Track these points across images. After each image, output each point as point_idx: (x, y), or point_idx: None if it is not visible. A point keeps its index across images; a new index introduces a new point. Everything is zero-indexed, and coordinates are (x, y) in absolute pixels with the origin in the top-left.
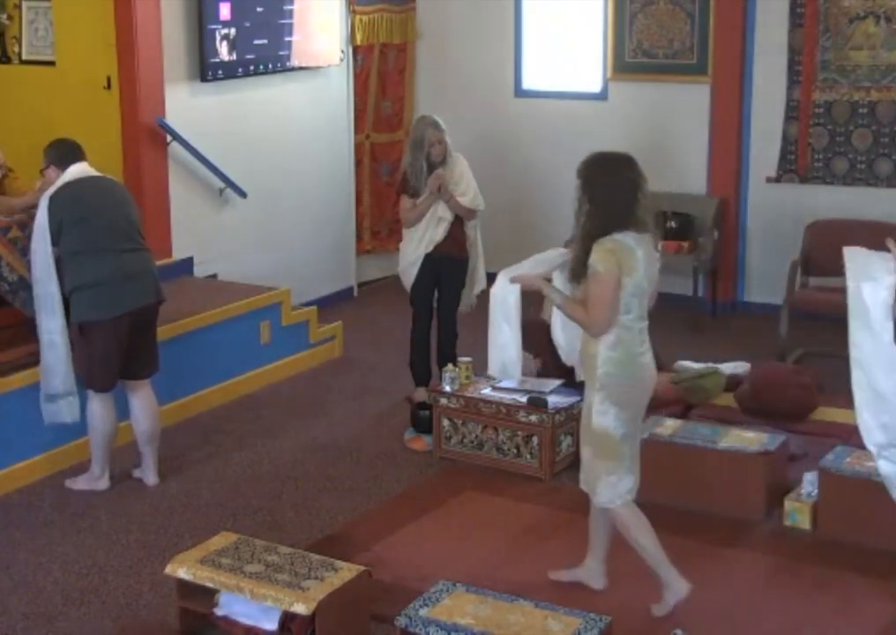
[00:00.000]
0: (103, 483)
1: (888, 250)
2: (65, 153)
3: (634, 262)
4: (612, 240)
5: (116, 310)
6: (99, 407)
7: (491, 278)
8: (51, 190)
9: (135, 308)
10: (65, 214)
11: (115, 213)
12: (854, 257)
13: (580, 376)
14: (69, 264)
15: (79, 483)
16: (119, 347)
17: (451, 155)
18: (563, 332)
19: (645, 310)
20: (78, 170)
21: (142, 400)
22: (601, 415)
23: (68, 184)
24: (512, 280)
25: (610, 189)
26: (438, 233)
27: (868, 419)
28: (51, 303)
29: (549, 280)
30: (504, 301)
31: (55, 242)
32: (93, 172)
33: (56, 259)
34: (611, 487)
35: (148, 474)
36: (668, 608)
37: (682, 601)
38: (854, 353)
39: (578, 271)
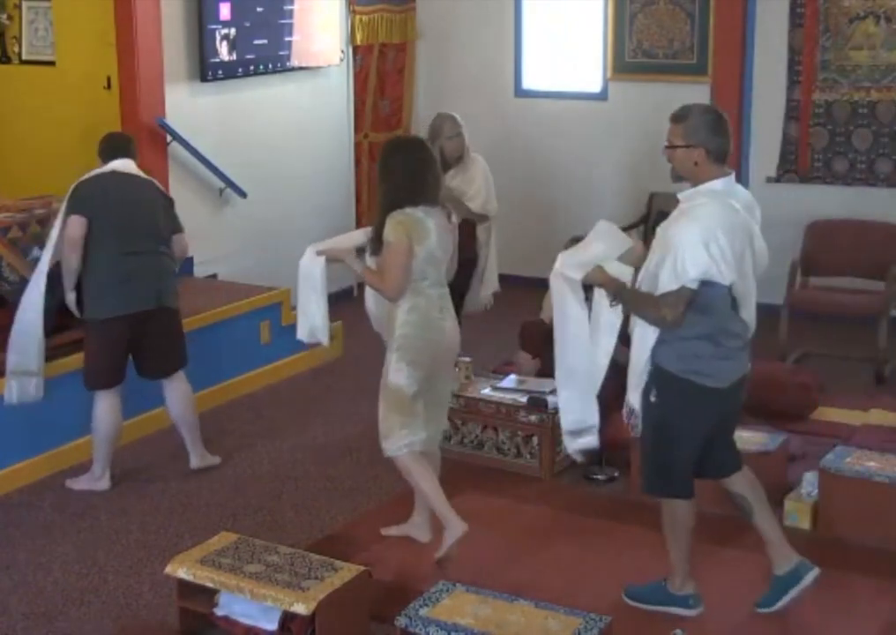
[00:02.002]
0: (104, 484)
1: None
2: (109, 147)
3: (424, 232)
4: (402, 213)
5: (109, 312)
6: (102, 406)
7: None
8: (80, 178)
9: (131, 311)
10: (79, 205)
11: (130, 214)
12: (600, 234)
13: (385, 338)
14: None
15: (80, 483)
16: (115, 348)
17: (468, 155)
18: (375, 303)
19: (442, 278)
20: (115, 165)
21: (172, 391)
22: (396, 373)
23: (94, 177)
24: (318, 253)
25: (401, 168)
26: None
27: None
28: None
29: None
30: (311, 272)
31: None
32: (129, 169)
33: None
34: (400, 439)
35: (190, 456)
36: (445, 549)
37: (458, 541)
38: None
39: (376, 243)
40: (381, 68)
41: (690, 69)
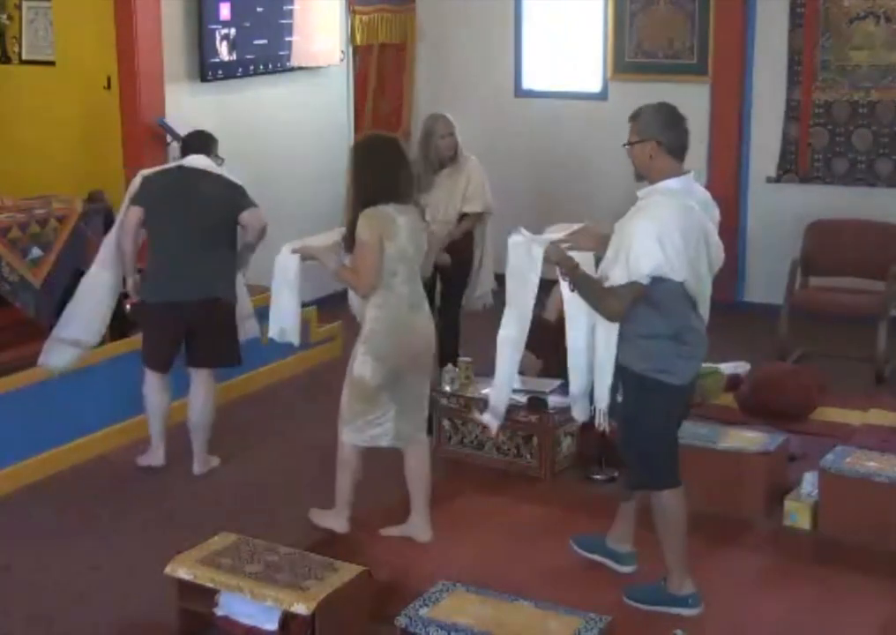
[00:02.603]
0: (157, 459)
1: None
2: (188, 143)
3: (395, 229)
4: (374, 210)
5: (155, 297)
6: (146, 384)
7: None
8: (149, 170)
9: (174, 300)
10: (138, 197)
11: (186, 208)
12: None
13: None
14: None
15: (144, 459)
16: (164, 334)
17: (461, 155)
18: (357, 299)
19: (415, 275)
20: (185, 161)
21: (195, 388)
22: (361, 365)
23: (159, 171)
24: (294, 251)
25: (373, 166)
26: (441, 237)
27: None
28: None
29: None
30: (285, 269)
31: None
32: (198, 165)
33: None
34: (365, 430)
35: (194, 461)
36: (317, 522)
37: (332, 532)
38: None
39: (349, 240)
40: (381, 68)
41: (690, 69)
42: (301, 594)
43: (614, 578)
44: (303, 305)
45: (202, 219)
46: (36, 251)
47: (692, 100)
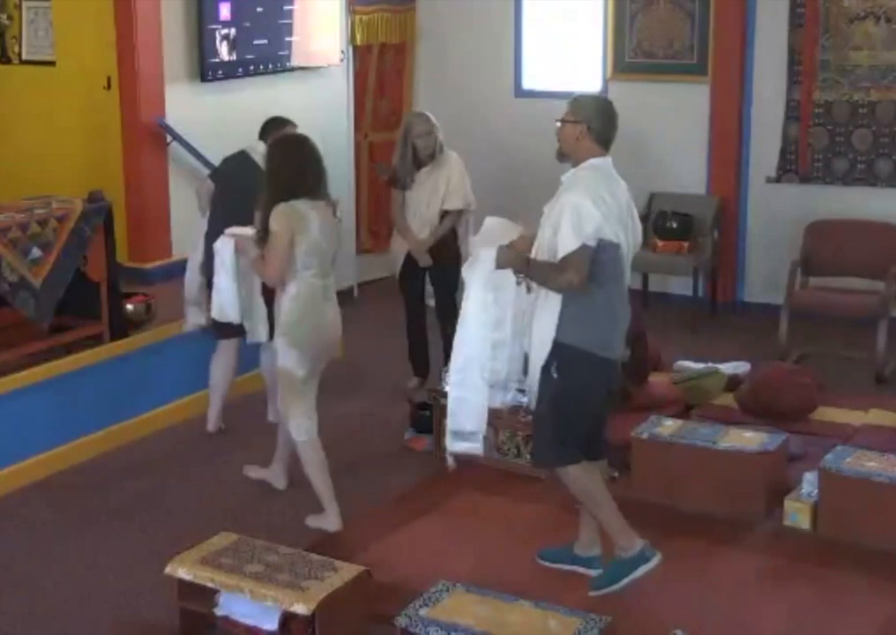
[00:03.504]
0: (212, 426)
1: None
2: (263, 128)
3: (306, 224)
4: (286, 205)
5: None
6: (218, 352)
7: None
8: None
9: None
10: (212, 174)
11: (232, 189)
12: (489, 227)
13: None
14: None
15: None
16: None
17: (441, 152)
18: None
19: (327, 268)
20: (247, 146)
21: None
22: (285, 358)
23: (231, 154)
24: (227, 233)
25: (283, 164)
26: (424, 234)
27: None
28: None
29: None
30: (222, 253)
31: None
32: (252, 151)
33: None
34: (302, 423)
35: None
36: (315, 525)
37: (324, 531)
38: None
39: (262, 233)
40: (381, 68)
41: (690, 69)
42: (301, 594)
43: None
44: None
45: (239, 200)
46: (36, 251)
47: (692, 100)
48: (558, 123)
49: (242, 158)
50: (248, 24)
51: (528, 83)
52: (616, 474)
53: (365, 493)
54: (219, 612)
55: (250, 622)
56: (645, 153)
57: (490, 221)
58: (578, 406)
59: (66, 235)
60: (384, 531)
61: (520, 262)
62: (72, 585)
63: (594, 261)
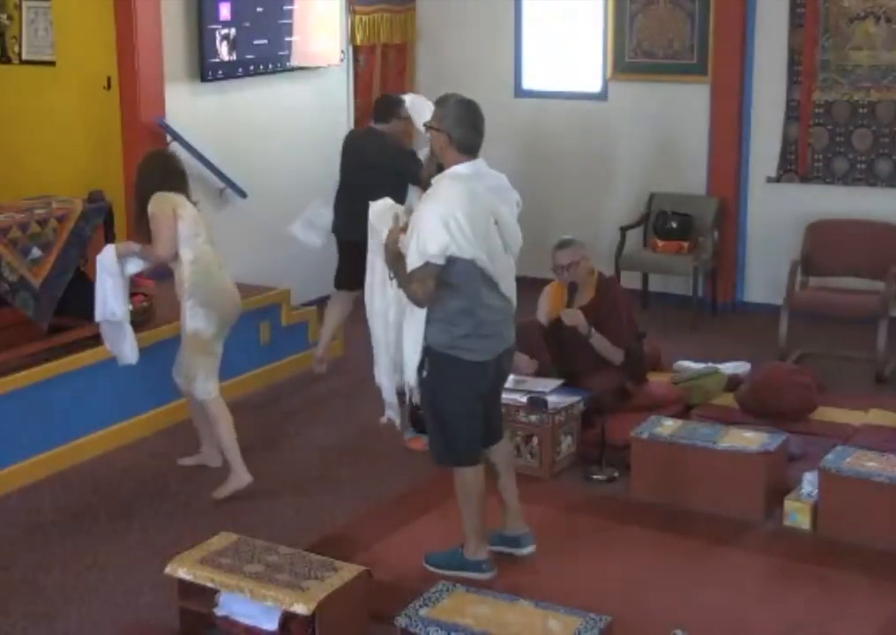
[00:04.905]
0: (321, 367)
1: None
2: (380, 109)
3: (182, 209)
4: (160, 195)
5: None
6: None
7: None
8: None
9: (343, 239)
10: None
11: (345, 163)
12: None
13: (179, 296)
14: None
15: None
16: (340, 260)
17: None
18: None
19: (212, 238)
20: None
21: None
22: (193, 318)
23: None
24: (106, 249)
25: (148, 168)
26: None
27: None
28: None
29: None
30: (102, 259)
31: None
32: (377, 128)
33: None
34: (208, 382)
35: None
36: (226, 492)
37: (240, 490)
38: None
39: (139, 223)
40: (381, 68)
41: (690, 69)
42: (301, 594)
43: (614, 579)
44: (304, 305)
45: (351, 174)
46: (36, 251)
47: (692, 100)
48: (424, 124)
49: (353, 133)
50: (248, 24)
51: (528, 83)
52: (616, 474)
53: (365, 493)
54: (219, 612)
55: (250, 622)
56: (644, 153)
57: (376, 206)
58: (452, 406)
59: (66, 235)
60: (384, 531)
61: (392, 258)
62: (72, 585)
63: (448, 272)
